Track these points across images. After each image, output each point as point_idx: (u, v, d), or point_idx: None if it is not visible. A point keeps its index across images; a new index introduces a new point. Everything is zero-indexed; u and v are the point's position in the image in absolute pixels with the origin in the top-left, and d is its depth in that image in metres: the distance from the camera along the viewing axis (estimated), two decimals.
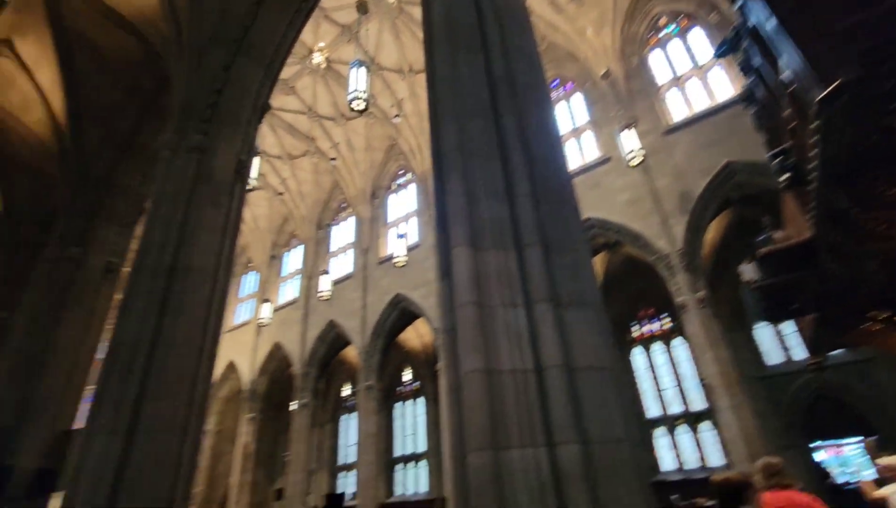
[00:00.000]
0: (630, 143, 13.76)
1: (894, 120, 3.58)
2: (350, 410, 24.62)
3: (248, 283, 29.16)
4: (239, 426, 23.92)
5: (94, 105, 10.62)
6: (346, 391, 24.27)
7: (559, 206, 2.71)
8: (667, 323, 18.78)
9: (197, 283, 5.70)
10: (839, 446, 14.21)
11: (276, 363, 24.08)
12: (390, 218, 22.97)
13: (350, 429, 24.54)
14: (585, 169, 16.59)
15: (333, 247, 25.06)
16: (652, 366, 18.74)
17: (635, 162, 13.69)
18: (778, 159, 5.56)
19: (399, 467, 23.74)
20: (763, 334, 16.86)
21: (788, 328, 16.20)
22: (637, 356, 19.21)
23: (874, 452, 10.53)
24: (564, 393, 2.17)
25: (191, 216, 6.06)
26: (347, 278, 22.37)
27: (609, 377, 2.29)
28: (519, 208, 2.60)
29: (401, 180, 23.57)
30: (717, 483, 2.48)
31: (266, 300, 23.29)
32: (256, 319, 24.09)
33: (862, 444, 13.43)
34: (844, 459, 14.21)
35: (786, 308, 7.23)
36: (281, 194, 25.09)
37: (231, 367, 25.84)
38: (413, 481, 22.96)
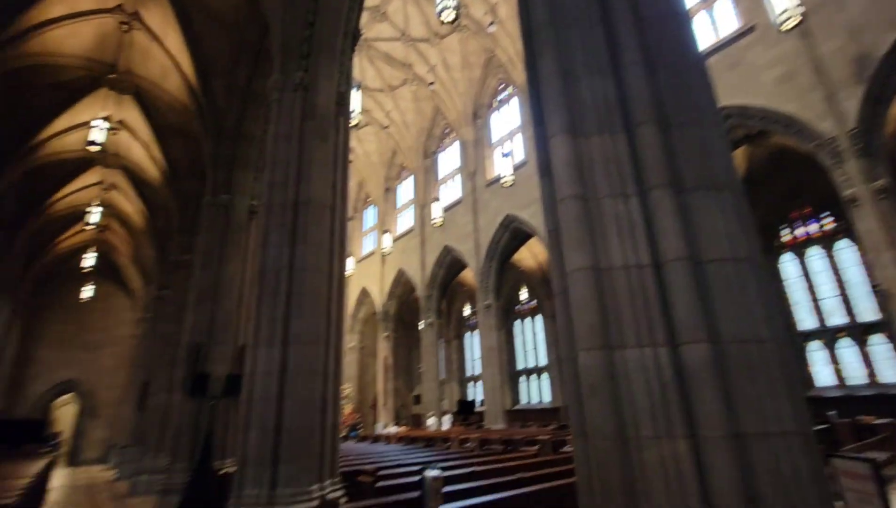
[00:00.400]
0: (783, 0, 10.95)
1: None
2: (473, 328, 26.14)
3: (369, 217, 31.42)
4: (378, 343, 27.08)
5: (214, 62, 11.64)
6: (467, 310, 25.61)
7: (680, 72, 2.22)
8: (828, 223, 15.80)
9: (317, 214, 6.18)
10: None
11: (402, 287, 26.18)
12: (494, 138, 22.25)
13: (474, 345, 26.23)
14: (720, 46, 13.85)
15: (441, 174, 25.38)
16: (806, 274, 16.23)
17: (790, 24, 10.95)
18: None
19: (522, 379, 25.01)
20: None
21: None
22: (787, 263, 16.73)
23: None
24: (690, 289, 1.89)
25: (304, 152, 6.47)
26: (457, 203, 22.70)
27: (748, 268, 1.93)
28: (628, 81, 2.18)
29: (502, 96, 22.36)
30: None
31: (386, 231, 24.97)
32: (379, 249, 26.12)
33: None
34: None
35: None
36: (386, 127, 25.70)
37: (364, 293, 28.84)
38: (536, 391, 24.12)
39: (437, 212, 20.22)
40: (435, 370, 22.49)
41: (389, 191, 28.76)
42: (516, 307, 25.77)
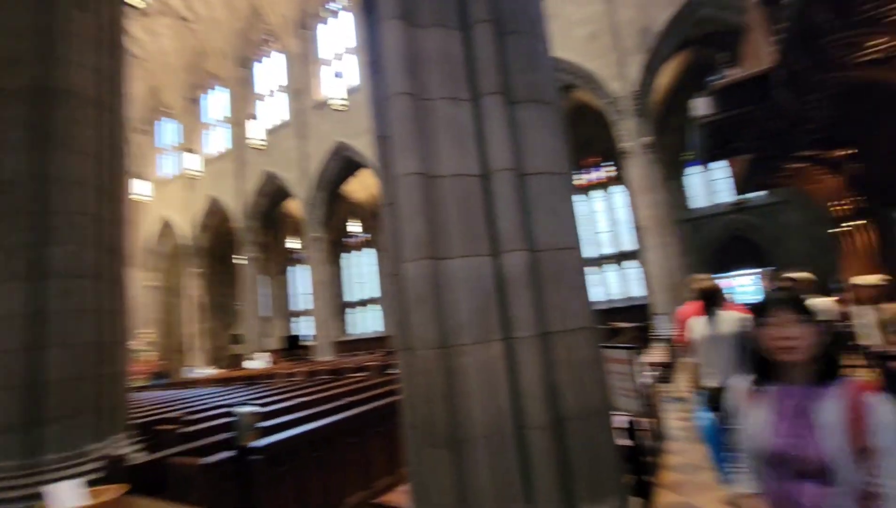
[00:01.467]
0: None
1: None
2: (299, 261, 24.88)
3: (167, 132, 26.14)
4: (187, 281, 23.77)
5: None
6: (295, 243, 24.09)
7: None
8: (610, 171, 19.28)
9: (76, 109, 4.68)
10: (742, 275, 16.39)
11: (216, 218, 23.06)
12: (325, 54, 20.23)
13: (301, 279, 25.17)
14: None
15: (261, 89, 22.27)
16: (590, 213, 19.75)
17: None
18: None
19: (351, 311, 25.28)
20: (693, 180, 17.80)
21: (716, 174, 17.14)
22: (578, 203, 20.01)
23: (769, 280, 12.11)
24: (514, 200, 1.88)
25: (54, 21, 4.72)
26: (283, 126, 20.41)
27: (563, 182, 2.02)
28: None
29: (334, 5, 20.15)
30: (702, 288, 3.05)
31: (190, 151, 21.15)
32: (184, 172, 22.15)
33: (759, 273, 15.52)
34: (739, 288, 16.52)
35: (727, 146, 7.31)
36: (187, 20, 21.00)
37: (167, 224, 24.57)
38: (366, 322, 24.76)
39: (256, 132, 17.87)
40: (256, 307, 20.98)
41: (194, 103, 24.19)
42: (346, 240, 25.36)
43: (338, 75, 15.22)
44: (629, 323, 14.73)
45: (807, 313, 1.18)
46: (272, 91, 21.78)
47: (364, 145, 17.61)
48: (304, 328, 24.26)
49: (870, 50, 4.62)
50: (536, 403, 1.79)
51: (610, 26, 13.44)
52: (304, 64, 19.88)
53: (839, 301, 5.49)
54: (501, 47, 2.06)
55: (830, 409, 1.10)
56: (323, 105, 18.59)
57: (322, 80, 19.65)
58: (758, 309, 1.25)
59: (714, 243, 16.79)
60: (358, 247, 25.50)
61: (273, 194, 21.05)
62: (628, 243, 18.11)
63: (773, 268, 15.62)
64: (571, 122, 18.14)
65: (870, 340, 4.01)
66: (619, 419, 2.61)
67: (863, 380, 1.07)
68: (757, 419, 1.21)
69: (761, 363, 1.23)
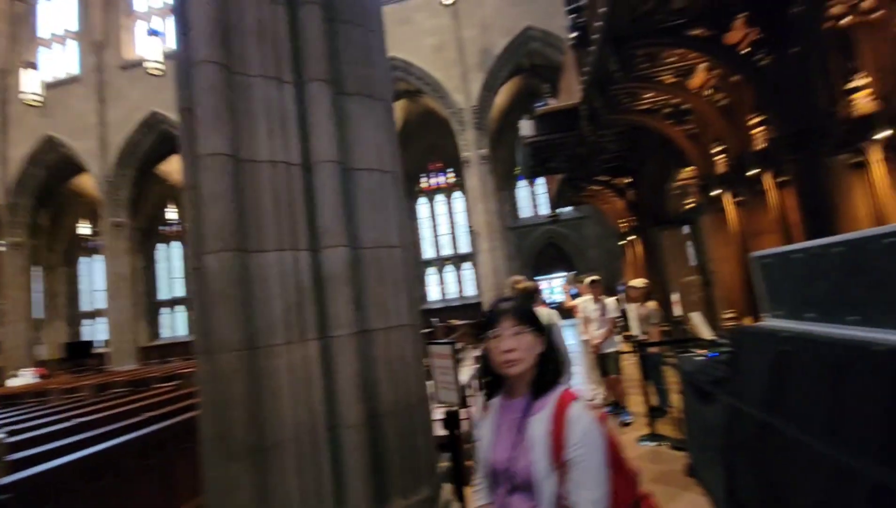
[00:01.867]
0: None
1: None
2: (94, 251, 20.47)
3: None
4: None
5: None
6: (85, 229, 19.67)
7: None
8: (451, 178, 20.50)
9: None
10: (550, 278, 19.14)
11: None
12: (139, 5, 17.04)
13: (95, 272, 20.73)
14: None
15: (44, 32, 17.68)
16: (433, 215, 20.73)
17: (449, 0, 12.87)
18: (573, 15, 5.80)
19: (165, 311, 21.79)
20: (522, 193, 20.17)
21: (539, 189, 19.72)
22: (421, 205, 20.80)
23: (572, 280, 14.29)
24: (336, 194, 1.81)
25: None
26: (72, 80, 16.49)
27: (390, 180, 2.02)
28: None
29: None
30: (520, 289, 3.11)
31: None
32: None
33: (565, 276, 18.32)
34: (552, 288, 19.26)
35: (546, 165, 8.45)
36: None
37: None
38: (184, 323, 21.60)
39: (32, 85, 14.08)
40: (26, 306, 16.55)
41: None
42: (161, 229, 21.76)
43: (153, 33, 12.93)
44: (464, 320, 15.86)
45: (526, 324, 1.12)
46: (62, 38, 17.46)
47: None
48: (103, 331, 20.05)
49: (644, 101, 5.84)
50: (351, 401, 1.75)
51: (456, 41, 14.30)
52: (109, 12, 16.42)
53: (619, 300, 6.84)
54: (332, 34, 1.97)
55: (538, 422, 1.08)
56: (134, 66, 15.63)
57: (134, 35, 16.52)
58: (486, 322, 1.17)
59: (535, 249, 19.25)
60: (175, 237, 22.12)
61: (56, 166, 16.86)
62: (465, 245, 19.54)
63: (575, 272, 18.60)
64: (421, 126, 18.77)
65: (635, 331, 5.04)
66: (440, 411, 2.74)
67: (571, 391, 1.10)
68: (484, 433, 1.19)
69: (493, 376, 1.19)
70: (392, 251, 1.97)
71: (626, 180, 9.43)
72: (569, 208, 18.84)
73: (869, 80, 3.87)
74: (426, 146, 19.83)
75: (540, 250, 19.35)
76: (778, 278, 2.44)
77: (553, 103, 7.55)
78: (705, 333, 4.02)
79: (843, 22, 3.53)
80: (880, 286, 1.55)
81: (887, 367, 1.39)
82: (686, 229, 7.99)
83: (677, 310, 5.75)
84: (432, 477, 2.10)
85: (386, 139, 2.07)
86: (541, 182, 19.44)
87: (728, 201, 5.19)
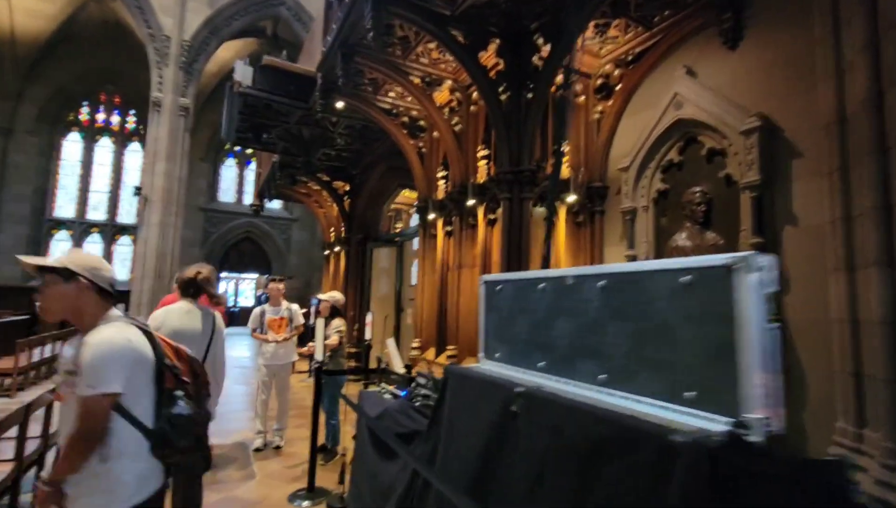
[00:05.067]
0: None
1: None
2: None
3: None
4: None
5: None
6: None
7: None
8: (131, 122, 15.51)
9: None
10: (240, 279, 16.66)
11: None
12: None
13: None
14: None
15: None
16: (88, 162, 14.99)
17: None
18: None
19: None
20: (227, 173, 17.14)
21: (249, 175, 17.26)
22: (72, 142, 14.78)
23: (262, 284, 12.57)
24: None
25: None
26: None
27: None
28: None
29: None
30: (184, 278, 2.65)
31: None
32: None
33: (255, 278, 16.27)
34: (238, 289, 16.81)
35: (257, 134, 6.84)
36: None
37: None
38: None
39: None
40: None
41: None
42: None
43: None
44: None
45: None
46: None
47: None
48: None
49: (387, 99, 5.26)
50: None
51: None
52: None
53: (307, 313, 5.88)
54: None
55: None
56: None
57: None
58: None
59: (228, 241, 16.41)
60: None
61: None
62: (128, 216, 14.83)
63: (270, 275, 16.84)
64: (103, 36, 13.53)
65: (319, 351, 4.11)
66: None
67: None
68: None
69: None
70: None
71: (346, 187, 8.80)
72: (277, 205, 17.10)
73: (568, 148, 4.31)
74: (101, 67, 14.48)
75: (235, 243, 16.68)
76: (506, 312, 1.90)
77: (286, 63, 6.12)
78: (397, 365, 3.39)
79: (563, 92, 3.77)
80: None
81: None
82: (391, 252, 7.87)
83: (369, 332, 5.17)
84: None
85: None
86: (253, 168, 17.08)
87: (440, 229, 5.05)
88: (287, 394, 4.41)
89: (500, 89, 3.96)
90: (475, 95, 4.54)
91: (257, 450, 4.10)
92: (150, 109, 11.06)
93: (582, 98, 4.45)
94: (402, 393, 2.93)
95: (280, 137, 6.70)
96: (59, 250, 14.17)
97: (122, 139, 15.48)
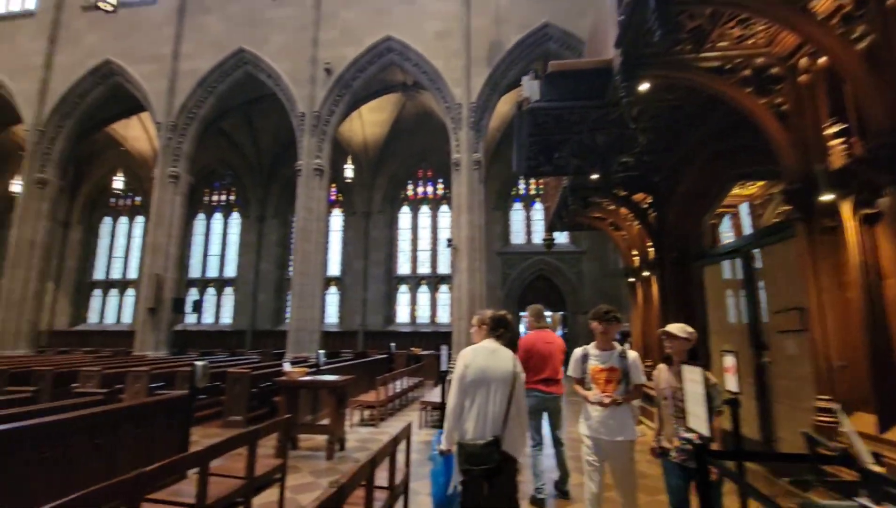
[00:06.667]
0: None
1: None
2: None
3: None
4: None
5: None
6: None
7: None
8: (441, 188, 18.47)
9: None
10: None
11: None
12: None
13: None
14: None
15: None
16: (415, 228, 18.54)
17: None
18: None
19: (98, 292, 19.13)
20: (516, 216, 18.12)
21: (536, 214, 17.74)
22: (403, 215, 18.64)
23: (559, 323, 12.08)
24: None
25: None
26: (23, 15, 14.44)
27: None
28: None
29: None
30: (491, 317, 2.61)
31: None
32: None
33: (551, 316, 16.08)
34: None
35: (550, 157, 6.40)
36: None
37: None
38: (115, 310, 18.93)
39: None
40: None
41: None
42: (112, 201, 19.36)
43: None
44: (430, 351, 13.51)
45: None
46: None
47: (146, 75, 13.25)
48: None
49: (713, 55, 3.84)
50: None
51: (463, 29, 12.52)
52: None
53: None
54: None
55: None
56: (95, 7, 13.62)
57: None
58: None
59: (523, 281, 17.05)
60: (124, 212, 19.70)
61: None
62: (445, 266, 17.32)
63: (562, 313, 16.38)
64: (413, 127, 16.87)
65: (695, 420, 2.87)
66: None
67: None
68: None
69: None
70: None
71: (648, 200, 7.39)
72: (564, 239, 16.82)
73: None
74: (418, 150, 17.92)
75: (529, 282, 17.16)
76: None
77: (573, 63, 5.48)
78: (864, 454, 1.80)
79: None
80: None
81: None
82: (731, 268, 5.87)
83: (731, 384, 3.38)
84: None
85: None
86: (538, 208, 17.48)
87: (848, 214, 3.11)
88: (634, 491, 2.98)
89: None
90: (803, 61, 2.62)
91: None
92: (451, 170, 12.62)
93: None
94: None
95: (572, 154, 6.04)
96: (402, 301, 17.75)
97: (436, 204, 18.58)
